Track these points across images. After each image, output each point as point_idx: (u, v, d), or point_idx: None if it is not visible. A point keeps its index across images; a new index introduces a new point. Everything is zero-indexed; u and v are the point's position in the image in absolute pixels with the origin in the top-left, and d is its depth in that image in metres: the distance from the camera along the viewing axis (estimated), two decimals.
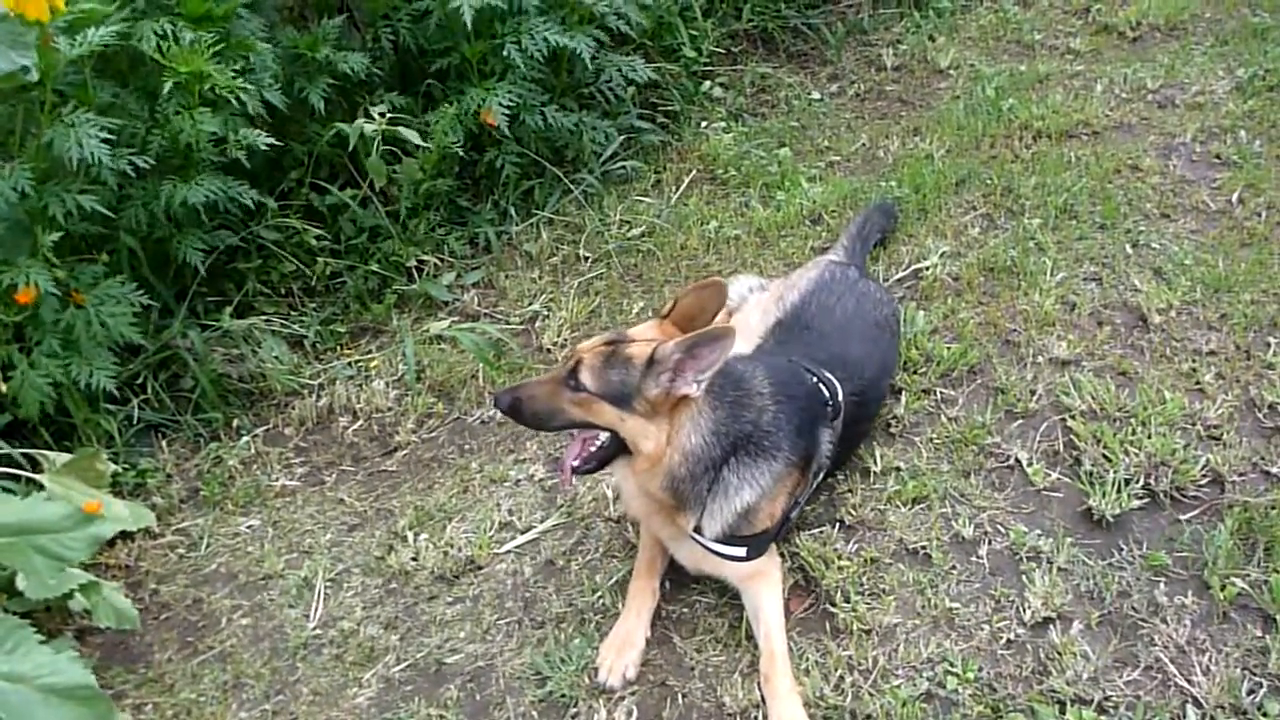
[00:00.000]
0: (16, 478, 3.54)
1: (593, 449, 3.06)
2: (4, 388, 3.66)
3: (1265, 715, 2.75)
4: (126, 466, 4.03)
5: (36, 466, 3.64)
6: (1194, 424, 3.66)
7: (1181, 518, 3.36)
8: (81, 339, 3.76)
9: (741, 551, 3.13)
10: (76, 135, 3.62)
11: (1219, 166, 5.12)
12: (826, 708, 2.94)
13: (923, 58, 6.60)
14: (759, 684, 3.01)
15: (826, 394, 3.35)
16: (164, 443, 4.21)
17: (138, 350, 4.22)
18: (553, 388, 2.97)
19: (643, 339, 3.00)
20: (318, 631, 3.46)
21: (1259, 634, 2.97)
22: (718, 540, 3.13)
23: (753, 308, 4.00)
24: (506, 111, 4.83)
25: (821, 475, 3.44)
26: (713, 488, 3.06)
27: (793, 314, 3.81)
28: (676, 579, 3.40)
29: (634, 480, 3.14)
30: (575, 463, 3.08)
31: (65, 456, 3.70)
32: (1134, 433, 3.60)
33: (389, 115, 4.56)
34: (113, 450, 3.99)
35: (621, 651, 3.12)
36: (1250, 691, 2.82)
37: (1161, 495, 3.42)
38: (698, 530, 3.13)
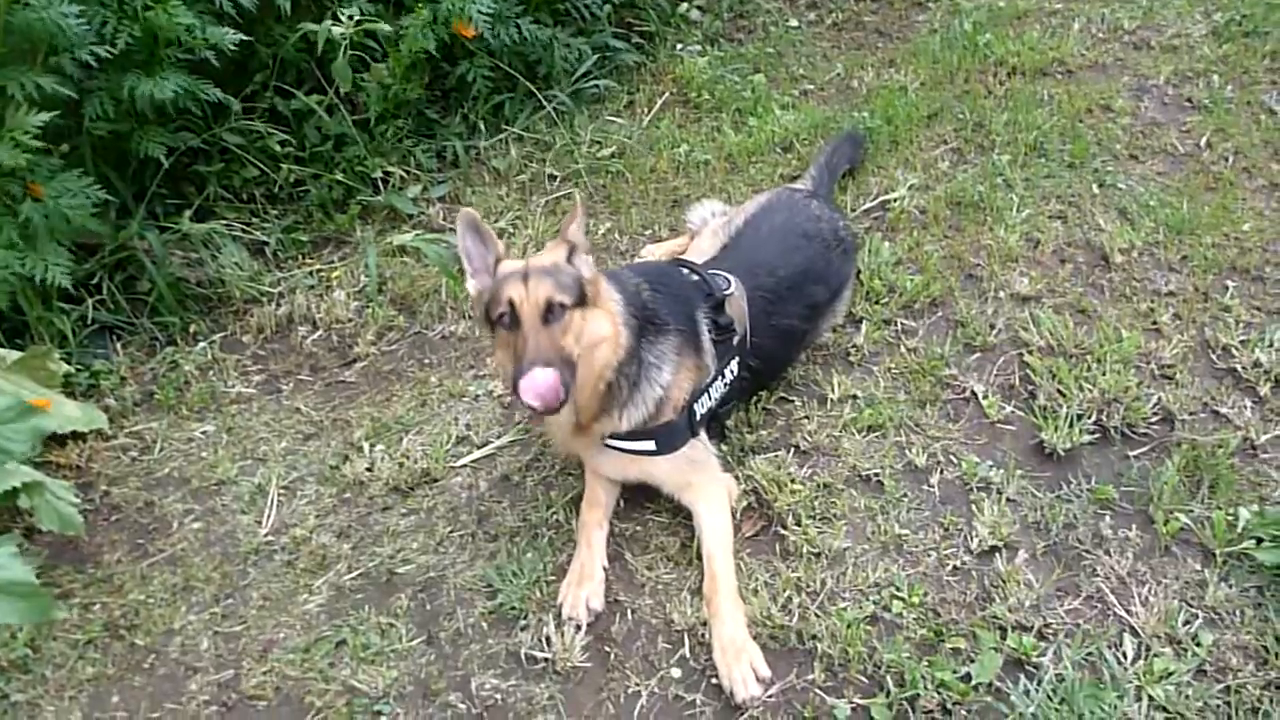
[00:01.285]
0: None
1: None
2: None
3: (1199, 645, 2.80)
4: (80, 367, 3.99)
5: None
6: (1148, 363, 3.69)
7: (1131, 454, 3.41)
8: (39, 232, 3.68)
9: (651, 444, 3.20)
10: (50, 15, 3.52)
11: (1189, 110, 5.13)
12: (773, 627, 2.97)
13: None
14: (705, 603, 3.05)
15: (708, 287, 3.41)
16: (119, 345, 4.16)
17: (94, 249, 4.15)
18: (545, 334, 2.90)
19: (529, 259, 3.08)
20: (270, 538, 3.46)
21: (1198, 568, 3.03)
22: (632, 438, 3.19)
23: (708, 234, 3.98)
24: (486, 19, 4.71)
25: (728, 372, 3.39)
26: (638, 373, 3.15)
27: (735, 237, 3.83)
28: (630, 498, 3.42)
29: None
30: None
31: (16, 354, 3.65)
32: (1089, 369, 3.64)
33: (358, 19, 4.45)
34: (66, 350, 3.95)
35: (580, 584, 3.13)
36: (1186, 622, 2.87)
37: (1112, 431, 3.47)
38: (614, 434, 3.20)
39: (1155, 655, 2.79)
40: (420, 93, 4.98)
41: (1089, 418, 3.49)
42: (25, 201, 3.69)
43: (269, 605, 3.25)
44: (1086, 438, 3.43)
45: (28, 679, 3.06)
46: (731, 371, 3.39)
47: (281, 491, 3.61)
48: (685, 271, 3.50)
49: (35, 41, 3.66)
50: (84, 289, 4.12)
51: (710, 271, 3.48)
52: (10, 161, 3.51)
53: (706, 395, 3.31)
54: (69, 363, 3.88)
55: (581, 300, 3.00)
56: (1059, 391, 3.58)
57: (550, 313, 2.93)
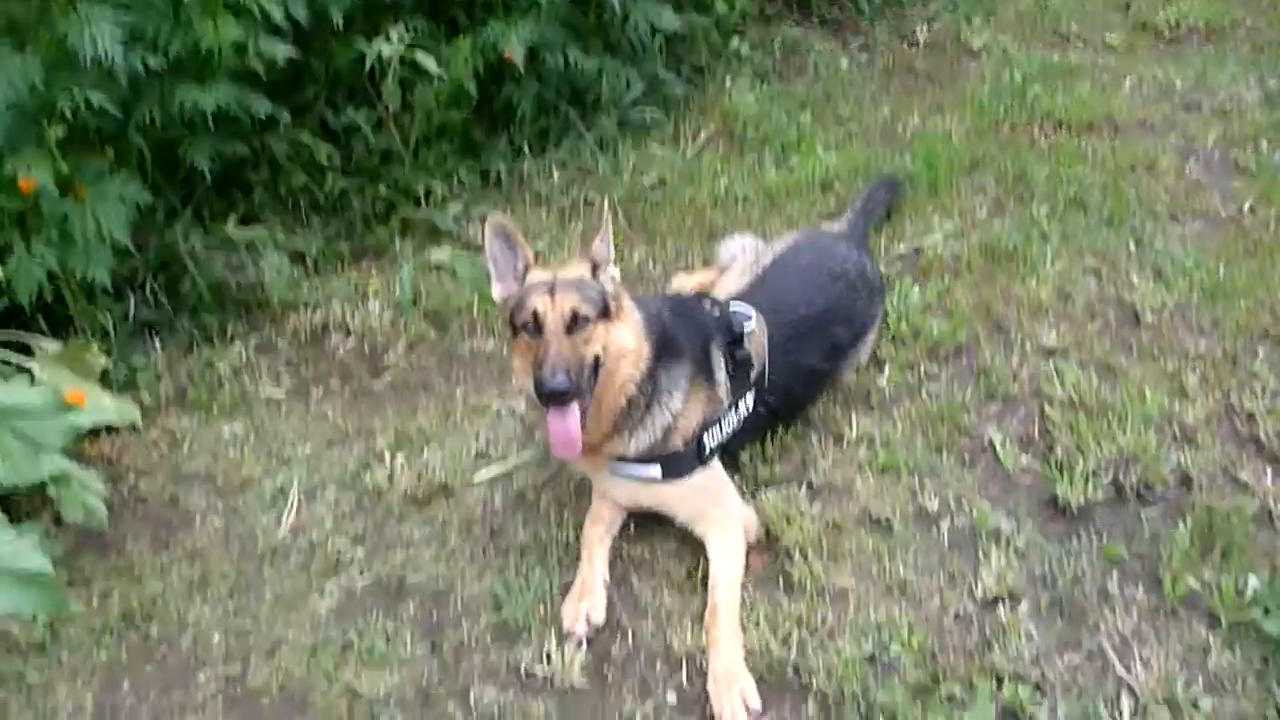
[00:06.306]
0: (7, 363, 3.59)
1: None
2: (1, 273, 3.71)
3: (1198, 710, 2.78)
4: (118, 362, 4.09)
5: (30, 353, 3.70)
6: (1170, 424, 3.67)
7: (1144, 513, 3.38)
8: (76, 233, 3.79)
9: (656, 471, 3.24)
10: (91, 30, 3.62)
11: (1235, 174, 5.11)
12: (770, 660, 2.98)
13: (955, 37, 6.60)
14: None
15: (727, 320, 3.46)
16: (157, 342, 4.27)
17: (139, 247, 4.26)
18: (567, 343, 3.02)
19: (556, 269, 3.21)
20: (287, 539, 3.53)
21: (1203, 633, 2.99)
22: (640, 461, 3.24)
23: (736, 269, 4.01)
24: (527, 46, 4.81)
25: (743, 406, 3.42)
26: (651, 397, 3.21)
27: (762, 274, 3.84)
28: (641, 523, 3.44)
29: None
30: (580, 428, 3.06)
31: (57, 345, 3.76)
32: (1109, 426, 3.62)
33: (410, 39, 4.56)
34: (106, 345, 4.04)
35: (580, 599, 3.18)
36: (1186, 686, 2.84)
37: (1128, 489, 3.44)
38: (622, 457, 3.25)
39: (1151, 717, 2.77)
40: (466, 114, 5.07)
41: (1105, 474, 3.47)
42: (67, 200, 3.81)
43: (281, 604, 3.31)
44: (1101, 494, 3.41)
45: (44, 661, 3.14)
46: (746, 406, 3.42)
47: (302, 495, 3.68)
48: (706, 303, 3.54)
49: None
50: (128, 286, 4.24)
51: (731, 306, 3.52)
52: (43, 177, 3.63)
53: (718, 427, 3.34)
54: (108, 356, 3.98)
55: (605, 314, 3.10)
56: (1077, 446, 3.57)
57: (574, 323, 3.03)
